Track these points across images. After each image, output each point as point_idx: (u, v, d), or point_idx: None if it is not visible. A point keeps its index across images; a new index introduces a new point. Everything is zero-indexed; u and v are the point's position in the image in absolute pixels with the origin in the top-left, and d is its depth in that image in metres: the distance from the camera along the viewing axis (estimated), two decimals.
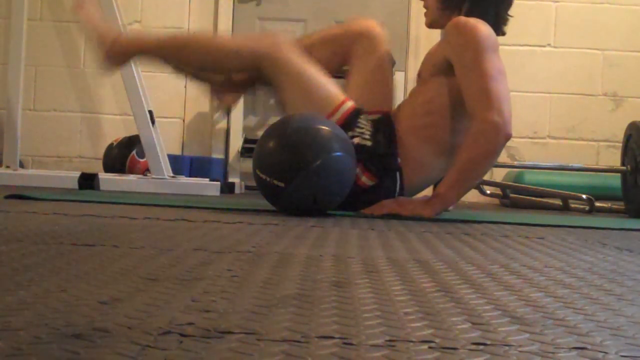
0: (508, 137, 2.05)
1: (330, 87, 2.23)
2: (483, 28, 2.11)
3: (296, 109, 2.17)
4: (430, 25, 2.33)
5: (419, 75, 2.33)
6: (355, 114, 2.20)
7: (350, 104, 2.21)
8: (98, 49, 2.36)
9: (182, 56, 2.34)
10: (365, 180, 2.17)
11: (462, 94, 2.10)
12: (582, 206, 3.49)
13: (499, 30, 2.23)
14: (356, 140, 2.15)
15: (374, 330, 0.61)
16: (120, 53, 2.34)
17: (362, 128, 2.19)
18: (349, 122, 2.18)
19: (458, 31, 2.12)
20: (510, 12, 2.29)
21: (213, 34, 2.35)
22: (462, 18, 2.14)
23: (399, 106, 2.38)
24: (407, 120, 2.24)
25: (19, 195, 2.22)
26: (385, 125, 2.23)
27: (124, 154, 3.79)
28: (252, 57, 2.22)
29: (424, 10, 2.33)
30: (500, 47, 2.14)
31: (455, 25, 2.13)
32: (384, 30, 2.37)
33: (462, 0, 2.23)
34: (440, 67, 2.20)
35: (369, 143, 2.17)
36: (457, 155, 2.09)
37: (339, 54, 2.36)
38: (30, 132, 4.04)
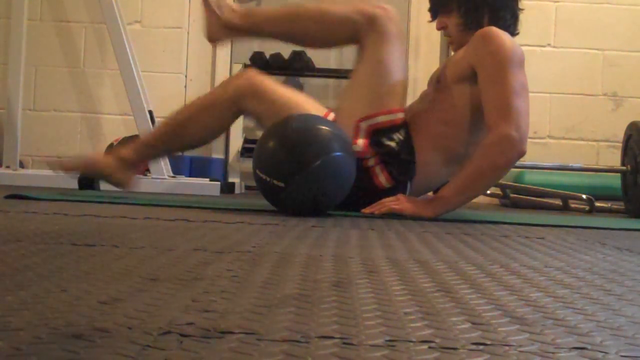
0: (522, 153, 2.05)
1: (400, 85, 2.25)
2: (511, 42, 2.11)
3: (360, 85, 2.22)
4: (458, 48, 2.30)
5: (438, 80, 2.29)
6: (400, 125, 2.21)
7: (403, 114, 2.24)
8: (207, 19, 2.34)
9: (292, 31, 2.33)
10: (383, 180, 2.18)
11: (482, 104, 2.11)
12: (582, 206, 3.49)
13: (514, 35, 2.26)
14: (386, 142, 2.17)
15: (374, 330, 0.61)
16: (228, 28, 2.32)
17: (400, 135, 2.20)
18: (394, 129, 2.19)
19: (486, 41, 2.11)
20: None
21: (319, 4, 2.37)
22: (492, 28, 2.14)
23: (413, 111, 2.36)
24: (423, 127, 2.23)
25: (19, 195, 2.22)
26: (405, 131, 2.22)
27: None
28: (359, 24, 2.22)
29: (447, 37, 2.34)
30: None
31: (484, 36, 2.12)
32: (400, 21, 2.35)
33: (482, 16, 2.23)
34: (464, 75, 2.18)
35: (397, 148, 2.18)
36: (468, 163, 2.08)
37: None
38: (30, 132, 4.03)
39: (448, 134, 2.21)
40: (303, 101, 2.26)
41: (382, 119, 2.19)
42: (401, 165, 2.19)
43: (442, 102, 2.23)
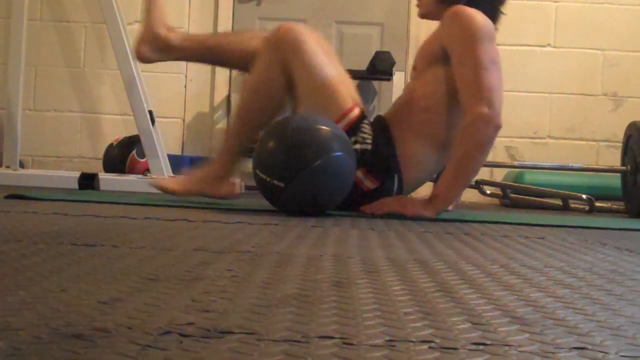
0: (498, 127, 2.05)
1: (343, 89, 2.21)
2: (479, 17, 2.10)
3: (308, 106, 2.17)
4: (424, 15, 2.32)
5: (414, 68, 2.32)
6: (360, 120, 2.20)
7: (357, 110, 2.20)
8: (144, 35, 2.34)
9: (219, 57, 2.39)
10: (369, 184, 2.18)
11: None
12: (582, 206, 3.49)
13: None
14: (357, 146, 2.15)
15: (374, 330, 0.61)
16: (165, 48, 2.32)
17: (365, 133, 2.18)
18: (354, 128, 2.18)
19: (455, 19, 2.11)
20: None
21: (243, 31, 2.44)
22: (460, 7, 2.13)
23: (394, 103, 2.38)
24: (404, 119, 2.23)
25: (19, 195, 2.22)
26: (381, 126, 2.22)
27: (124, 154, 3.78)
28: (275, 51, 2.18)
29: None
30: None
31: (453, 14, 2.12)
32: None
33: None
34: (436, 56, 2.18)
35: (369, 147, 2.17)
36: (451, 152, 2.09)
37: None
38: (30, 132, 4.04)
39: (429, 120, 2.21)
40: (339, 85, 2.20)
41: None
42: (380, 162, 2.18)
43: (420, 89, 2.23)
